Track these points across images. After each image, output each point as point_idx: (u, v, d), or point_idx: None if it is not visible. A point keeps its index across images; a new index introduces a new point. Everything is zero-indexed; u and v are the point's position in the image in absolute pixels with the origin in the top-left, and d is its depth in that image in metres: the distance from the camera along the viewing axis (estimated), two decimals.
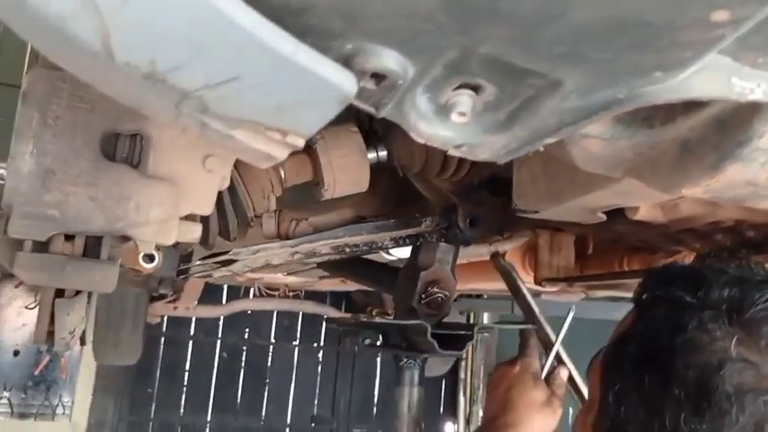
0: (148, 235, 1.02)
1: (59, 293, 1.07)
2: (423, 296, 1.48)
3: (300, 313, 5.78)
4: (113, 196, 0.98)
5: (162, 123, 1.02)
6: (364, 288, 4.32)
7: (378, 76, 0.61)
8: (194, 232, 1.09)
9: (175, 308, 4.47)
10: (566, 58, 0.56)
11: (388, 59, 0.60)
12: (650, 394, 0.69)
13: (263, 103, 0.58)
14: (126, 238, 1.03)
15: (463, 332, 1.38)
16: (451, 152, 0.72)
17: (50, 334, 1.13)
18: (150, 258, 1.24)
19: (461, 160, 1.40)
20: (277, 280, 4.14)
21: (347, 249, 1.33)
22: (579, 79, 0.60)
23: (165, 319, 5.30)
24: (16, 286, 5.16)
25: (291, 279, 3.76)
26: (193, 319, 5.55)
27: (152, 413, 5.58)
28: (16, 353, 5.16)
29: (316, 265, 2.05)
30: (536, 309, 1.48)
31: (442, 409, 6.48)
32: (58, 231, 0.97)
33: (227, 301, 5.27)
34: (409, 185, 1.74)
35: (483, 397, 6.37)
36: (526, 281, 1.98)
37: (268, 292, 4.79)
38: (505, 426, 1.22)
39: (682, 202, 1.07)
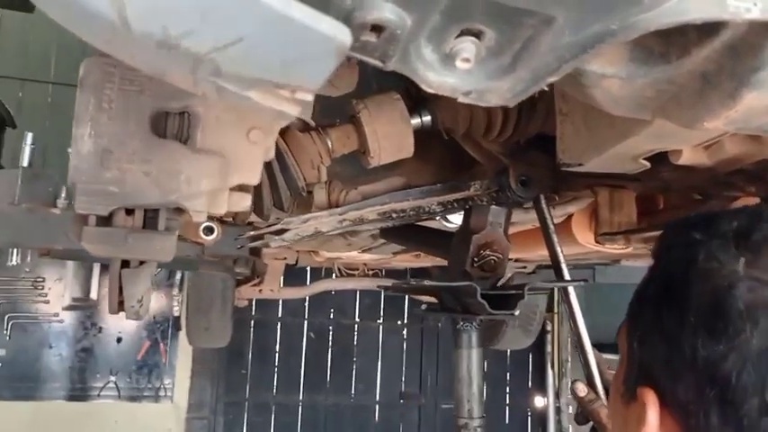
0: (201, 205, 1.08)
1: (125, 265, 1.16)
2: (475, 259, 1.50)
3: (382, 292, 5.87)
4: (165, 171, 1.05)
5: (206, 101, 1.09)
6: (441, 264, 4.36)
7: (377, 29, 0.65)
8: (244, 201, 1.15)
9: (260, 290, 4.64)
10: None
11: (386, 11, 0.63)
12: (668, 328, 0.70)
13: (268, 61, 0.62)
14: (181, 210, 1.10)
15: (513, 292, 1.39)
16: (461, 99, 0.74)
17: (121, 304, 1.23)
18: (210, 231, 1.33)
19: (505, 120, 1.41)
20: (355, 259, 4.22)
21: (394, 215, 1.37)
22: (570, 14, 0.61)
23: (254, 302, 5.52)
24: None
25: (368, 257, 3.83)
26: (280, 302, 5.75)
27: (247, 393, 5.83)
28: (119, 340, 5.52)
29: (380, 236, 2.10)
30: (561, 252, 1.46)
31: (530, 383, 6.45)
32: (119, 206, 1.05)
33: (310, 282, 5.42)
34: (464, 154, 1.76)
35: (571, 369, 6.29)
36: (591, 242, 1.97)
37: (348, 271, 4.88)
38: None
39: (726, 141, 1.05)
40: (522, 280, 3.59)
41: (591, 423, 1.26)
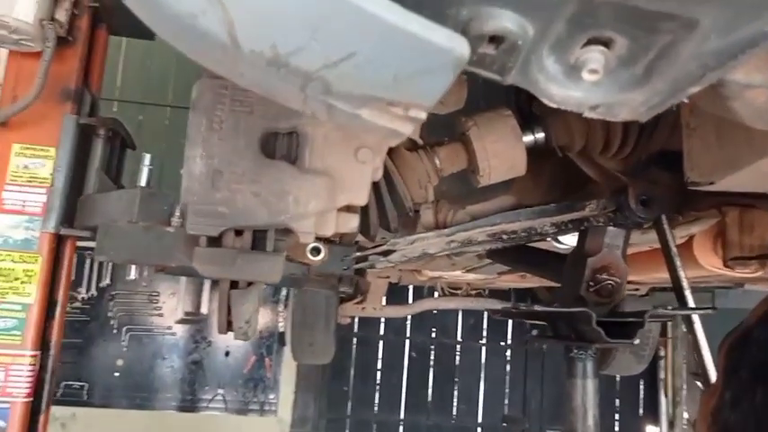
0: (308, 226, 1.07)
1: (234, 285, 1.16)
2: (591, 284, 1.41)
3: (485, 312, 5.76)
4: (274, 192, 1.05)
5: (315, 120, 1.07)
6: (548, 285, 4.22)
7: (496, 39, 0.60)
8: (352, 222, 1.13)
9: (363, 308, 4.65)
10: None
11: (505, 20, 0.59)
12: (760, 408, 0.65)
13: (380, 77, 0.59)
14: (289, 231, 1.09)
15: (633, 319, 1.29)
16: (587, 114, 0.68)
17: (230, 324, 1.23)
18: (317, 251, 1.31)
19: (626, 136, 1.32)
20: (458, 279, 4.15)
21: (504, 236, 1.31)
22: (718, 15, 0.54)
23: (356, 319, 5.54)
24: None
25: (471, 277, 3.76)
26: (382, 320, 5.75)
27: (348, 411, 5.85)
28: (227, 353, 5.67)
29: (486, 257, 2.03)
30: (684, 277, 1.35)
31: (641, 411, 6.13)
32: (228, 227, 1.05)
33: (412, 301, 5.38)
34: (577, 172, 1.67)
35: (687, 398, 5.92)
36: (714, 265, 1.82)
37: (451, 291, 4.82)
38: None
39: None
40: (633, 303, 3.42)
41: None
